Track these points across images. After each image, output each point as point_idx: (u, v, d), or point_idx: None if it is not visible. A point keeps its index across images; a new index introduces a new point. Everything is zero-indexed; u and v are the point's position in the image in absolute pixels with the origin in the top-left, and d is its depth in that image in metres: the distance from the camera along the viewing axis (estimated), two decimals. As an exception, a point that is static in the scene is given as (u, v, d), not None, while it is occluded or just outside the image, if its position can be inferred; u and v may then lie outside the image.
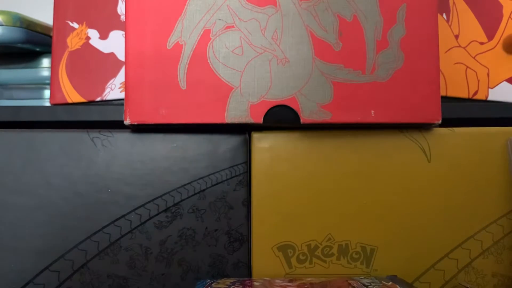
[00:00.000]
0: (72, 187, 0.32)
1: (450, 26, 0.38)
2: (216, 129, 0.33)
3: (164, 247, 0.32)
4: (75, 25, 0.40)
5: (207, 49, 0.31)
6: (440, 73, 0.35)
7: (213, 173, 0.33)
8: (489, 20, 0.38)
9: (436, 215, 0.33)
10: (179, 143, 0.33)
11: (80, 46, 0.40)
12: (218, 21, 0.31)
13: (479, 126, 0.33)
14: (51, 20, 0.41)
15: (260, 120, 0.31)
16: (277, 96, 0.31)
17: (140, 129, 0.33)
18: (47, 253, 0.32)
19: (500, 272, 0.33)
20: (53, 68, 0.40)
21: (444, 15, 0.38)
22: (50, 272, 0.32)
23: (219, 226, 0.33)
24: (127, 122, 0.31)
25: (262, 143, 0.33)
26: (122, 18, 0.39)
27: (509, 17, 0.39)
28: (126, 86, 0.31)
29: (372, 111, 0.31)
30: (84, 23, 0.40)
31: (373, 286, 0.27)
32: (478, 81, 0.38)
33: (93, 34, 0.39)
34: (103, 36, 0.39)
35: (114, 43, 0.39)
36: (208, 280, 0.29)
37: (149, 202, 0.33)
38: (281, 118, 0.31)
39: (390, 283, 0.28)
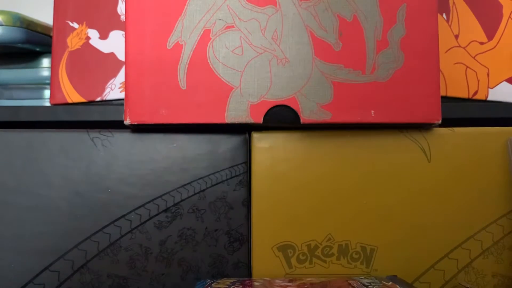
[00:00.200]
0: (72, 187, 0.32)
1: (450, 26, 0.38)
2: (216, 129, 0.33)
3: (164, 247, 0.32)
4: (75, 25, 0.40)
5: (207, 49, 0.31)
6: (440, 73, 0.35)
7: (213, 173, 0.33)
8: (489, 20, 0.38)
9: (436, 215, 0.33)
10: (179, 143, 0.33)
11: (80, 46, 0.40)
12: (218, 21, 0.31)
13: (479, 126, 0.33)
14: (51, 20, 0.41)
15: (260, 120, 0.31)
16: (277, 96, 0.31)
17: (140, 129, 0.33)
18: (47, 253, 0.32)
19: (500, 272, 0.33)
20: (53, 68, 0.40)
21: (444, 15, 0.38)
22: (50, 272, 0.32)
23: (219, 226, 0.33)
24: (127, 122, 0.31)
25: (262, 143, 0.33)
26: (122, 18, 0.39)
27: (509, 17, 0.39)
28: (126, 86, 0.31)
29: (372, 111, 0.31)
30: (84, 23, 0.40)
31: (373, 286, 0.27)
32: (478, 81, 0.38)
33: (93, 34, 0.39)
34: (103, 36, 0.39)
35: (114, 43, 0.39)
36: (208, 280, 0.29)
37: (149, 202, 0.33)
38: (281, 118, 0.31)
39: (390, 283, 0.28)
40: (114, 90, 0.38)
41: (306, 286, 0.28)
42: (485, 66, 0.38)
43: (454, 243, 0.33)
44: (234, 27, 0.31)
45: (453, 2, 0.38)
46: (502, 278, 0.33)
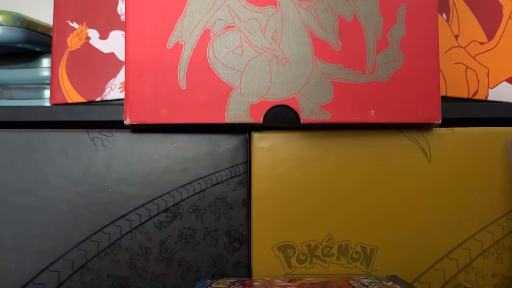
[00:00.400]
0: (72, 187, 0.32)
1: (450, 26, 0.38)
2: (216, 129, 0.33)
3: (164, 247, 0.32)
4: (75, 25, 0.40)
5: (207, 49, 0.31)
6: (440, 73, 0.35)
7: (213, 173, 0.33)
8: (489, 20, 0.38)
9: (436, 215, 0.33)
10: (179, 143, 0.33)
11: (80, 46, 0.40)
12: (218, 21, 0.31)
13: (479, 126, 0.33)
14: (51, 20, 0.41)
15: (260, 120, 0.31)
16: (277, 96, 0.31)
17: (140, 129, 0.33)
18: (47, 253, 0.32)
19: (500, 272, 0.33)
20: (53, 68, 0.40)
21: (444, 15, 0.38)
22: (50, 272, 0.32)
23: (219, 226, 0.33)
24: (127, 122, 0.31)
25: (262, 143, 0.33)
26: (122, 18, 0.39)
27: (509, 17, 0.39)
28: (126, 86, 0.31)
29: (372, 111, 0.31)
30: (84, 23, 0.40)
31: (373, 286, 0.27)
32: (478, 81, 0.38)
33: (93, 34, 0.39)
34: (103, 36, 0.39)
35: (114, 43, 0.39)
36: (208, 280, 0.29)
37: (149, 202, 0.33)
38: (281, 118, 0.31)
39: (390, 283, 0.28)
40: (114, 90, 0.38)
41: (306, 286, 0.28)
42: (485, 66, 0.38)
43: (454, 243, 0.33)
44: (234, 27, 0.31)
45: (453, 2, 0.38)
46: (502, 278, 0.33)
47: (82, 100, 0.39)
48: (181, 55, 0.31)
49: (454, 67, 0.37)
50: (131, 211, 0.32)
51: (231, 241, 0.33)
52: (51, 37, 0.42)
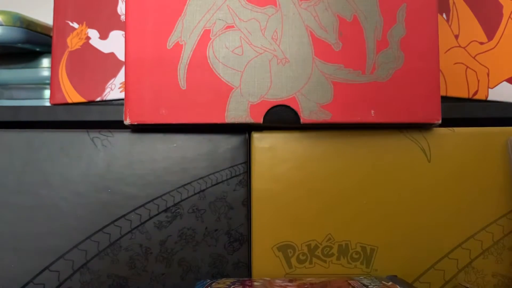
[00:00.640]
0: (72, 187, 0.32)
1: (450, 26, 0.38)
2: (216, 129, 0.33)
3: (164, 247, 0.32)
4: (75, 25, 0.40)
5: (207, 49, 0.31)
6: (440, 73, 0.35)
7: (213, 173, 0.33)
8: (489, 20, 0.38)
9: (436, 215, 0.33)
10: (179, 143, 0.33)
11: (80, 46, 0.40)
12: (218, 21, 0.31)
13: (479, 126, 0.33)
14: (51, 20, 0.41)
15: (260, 120, 0.31)
16: (277, 96, 0.31)
17: (140, 129, 0.33)
18: (47, 253, 0.32)
19: (500, 272, 0.33)
20: (53, 68, 0.40)
21: (444, 15, 0.38)
22: (50, 272, 0.32)
23: (219, 226, 0.33)
24: (127, 122, 0.31)
25: (262, 143, 0.33)
26: (122, 18, 0.39)
27: (509, 17, 0.39)
28: (126, 86, 0.31)
29: (372, 111, 0.31)
30: (84, 23, 0.40)
31: (373, 286, 0.27)
32: (478, 81, 0.38)
33: (93, 34, 0.39)
34: (103, 36, 0.39)
35: (114, 43, 0.39)
36: (208, 280, 0.29)
37: (149, 202, 0.33)
38: (281, 118, 0.31)
39: (390, 283, 0.28)
40: (114, 90, 0.38)
41: (306, 286, 0.28)
42: (485, 66, 0.38)
43: (454, 243, 0.33)
44: (234, 27, 0.31)
45: (453, 2, 0.38)
46: (502, 278, 0.33)
47: (82, 100, 0.39)
48: (181, 55, 0.31)
49: (454, 67, 0.37)
50: (131, 211, 0.32)
51: (231, 241, 0.33)
52: (51, 37, 0.42)
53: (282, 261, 0.32)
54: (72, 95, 0.39)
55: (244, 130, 0.33)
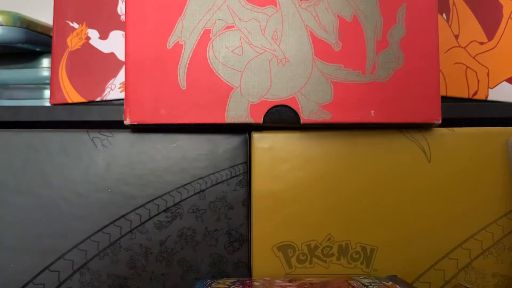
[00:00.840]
0: (72, 187, 0.32)
1: (450, 26, 0.38)
2: (216, 129, 0.33)
3: (164, 247, 0.32)
4: (75, 25, 0.40)
5: (207, 49, 0.31)
6: (440, 73, 0.35)
7: (213, 173, 0.33)
8: (489, 20, 0.38)
9: (436, 215, 0.33)
10: (179, 143, 0.33)
11: (80, 46, 0.40)
12: (218, 21, 0.31)
13: (479, 126, 0.33)
14: (51, 20, 0.41)
15: (260, 120, 0.31)
16: (277, 96, 0.31)
17: (140, 129, 0.33)
18: (47, 253, 0.32)
19: (500, 272, 0.33)
20: (53, 68, 0.40)
21: (444, 15, 0.38)
22: (50, 272, 0.32)
23: (219, 226, 0.33)
24: (127, 122, 0.31)
25: (262, 143, 0.33)
26: (122, 18, 0.39)
27: (509, 17, 0.39)
28: (126, 86, 0.31)
29: (372, 111, 0.31)
30: (84, 23, 0.40)
31: (373, 286, 0.27)
32: (478, 81, 0.38)
33: (93, 34, 0.39)
34: (103, 36, 0.39)
35: (114, 43, 0.39)
36: (208, 280, 0.29)
37: (149, 202, 0.33)
38: (281, 118, 0.31)
39: (390, 283, 0.28)
40: (114, 90, 0.38)
41: (306, 286, 0.28)
42: (485, 66, 0.38)
43: (454, 243, 0.33)
44: (234, 27, 0.31)
45: (453, 2, 0.38)
46: (502, 278, 0.33)
47: (82, 100, 0.39)
48: (181, 55, 0.31)
49: (454, 67, 0.37)
50: (131, 211, 0.32)
51: (231, 241, 0.33)
52: (51, 37, 0.42)
53: (282, 261, 0.32)
54: (72, 95, 0.39)
55: (244, 130, 0.33)
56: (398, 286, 0.27)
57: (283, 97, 0.31)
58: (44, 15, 0.46)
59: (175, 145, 0.33)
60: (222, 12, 0.31)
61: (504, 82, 0.38)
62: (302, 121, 0.31)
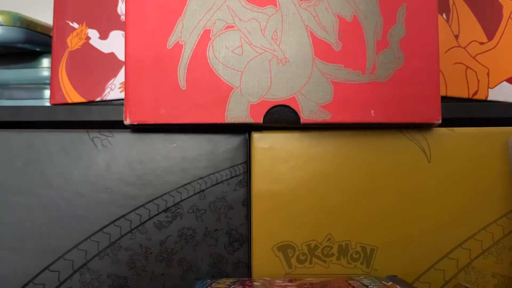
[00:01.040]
0: (72, 187, 0.32)
1: (450, 26, 0.38)
2: (216, 129, 0.33)
3: (164, 247, 0.32)
4: (75, 25, 0.40)
5: (207, 49, 0.31)
6: (440, 73, 0.35)
7: (213, 173, 0.33)
8: (489, 20, 0.38)
9: (436, 215, 0.33)
10: (179, 143, 0.33)
11: (80, 46, 0.40)
12: (218, 21, 0.31)
13: (479, 126, 0.33)
14: (51, 20, 0.41)
15: (260, 120, 0.31)
16: (277, 96, 0.31)
17: (140, 129, 0.33)
18: (47, 253, 0.32)
19: (500, 272, 0.33)
20: (53, 68, 0.40)
21: (444, 15, 0.38)
22: (50, 272, 0.32)
23: (219, 226, 0.33)
24: (127, 122, 0.31)
25: (262, 143, 0.33)
26: (122, 18, 0.39)
27: (509, 17, 0.39)
28: (126, 86, 0.31)
29: (372, 111, 0.31)
30: (84, 23, 0.40)
31: (373, 286, 0.27)
32: (478, 81, 0.38)
33: (93, 34, 0.39)
34: (103, 36, 0.39)
35: (114, 43, 0.39)
36: (208, 280, 0.29)
37: (149, 202, 0.33)
38: (281, 118, 0.31)
39: (390, 283, 0.28)
40: (114, 90, 0.38)
41: (306, 286, 0.28)
42: (485, 66, 0.38)
43: (454, 243, 0.33)
44: (234, 27, 0.31)
45: (453, 2, 0.38)
46: (502, 278, 0.33)
47: (82, 100, 0.39)
48: (181, 55, 0.31)
49: (454, 67, 0.37)
50: (131, 211, 0.32)
51: (231, 241, 0.33)
52: (51, 37, 0.42)
53: (282, 261, 0.32)
54: (72, 95, 0.39)
55: (244, 130, 0.33)
56: (398, 286, 0.27)
57: (283, 97, 0.31)
58: (44, 15, 0.46)
59: (175, 145, 0.33)
60: (222, 12, 0.31)
61: (504, 82, 0.38)
62: (302, 121, 0.31)
